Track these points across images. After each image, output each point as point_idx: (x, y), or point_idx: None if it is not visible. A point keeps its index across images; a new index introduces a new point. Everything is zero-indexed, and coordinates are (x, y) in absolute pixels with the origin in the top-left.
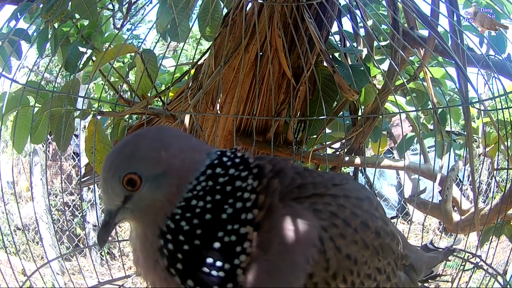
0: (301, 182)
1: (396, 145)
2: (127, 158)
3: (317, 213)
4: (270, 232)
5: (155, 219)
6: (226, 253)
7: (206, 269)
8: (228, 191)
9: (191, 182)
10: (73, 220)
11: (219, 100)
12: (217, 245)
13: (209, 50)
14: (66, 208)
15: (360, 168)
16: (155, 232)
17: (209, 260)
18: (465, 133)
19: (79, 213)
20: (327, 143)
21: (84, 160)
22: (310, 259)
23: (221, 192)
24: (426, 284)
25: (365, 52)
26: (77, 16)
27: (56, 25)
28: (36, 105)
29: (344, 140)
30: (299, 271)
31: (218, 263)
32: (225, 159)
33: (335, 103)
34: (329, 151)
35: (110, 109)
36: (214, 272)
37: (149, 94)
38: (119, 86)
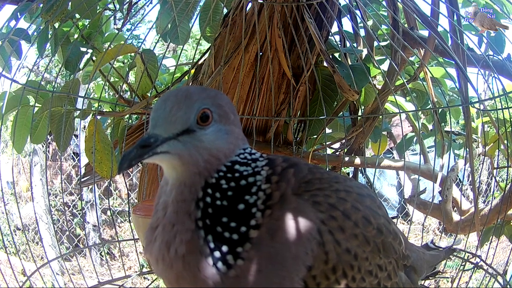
0: (310, 178)
1: (396, 145)
2: (211, 98)
3: (316, 205)
4: (278, 220)
5: (206, 167)
6: (245, 215)
7: (223, 229)
8: (253, 167)
9: (240, 149)
10: (73, 220)
11: None
12: (241, 206)
13: (209, 50)
14: (66, 208)
15: (360, 168)
16: (200, 182)
17: (228, 220)
18: (465, 133)
19: (79, 213)
20: (327, 143)
21: (84, 160)
22: (309, 251)
23: (251, 166)
24: (427, 282)
25: (365, 52)
26: (77, 16)
27: (56, 25)
28: (36, 105)
29: (344, 140)
30: (299, 262)
31: (235, 224)
32: (248, 149)
33: (335, 103)
34: (329, 151)
35: (110, 109)
36: (227, 234)
37: (149, 94)
38: (119, 86)
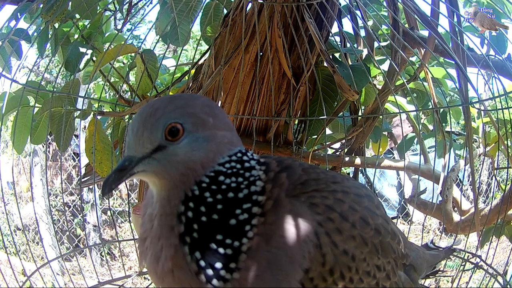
0: (306, 179)
1: (396, 146)
2: (178, 109)
3: (313, 207)
4: (273, 225)
5: (183, 180)
6: (237, 230)
7: (214, 245)
8: (247, 177)
9: (223, 157)
10: (73, 221)
11: (219, 100)
12: (233, 221)
13: (209, 50)
14: (66, 209)
15: (360, 168)
16: (179, 196)
17: (220, 236)
18: (465, 133)
19: (79, 213)
20: (327, 143)
21: (84, 160)
22: (307, 254)
23: (243, 176)
24: (427, 281)
25: (365, 52)
26: (77, 16)
27: (56, 25)
28: (36, 105)
29: (344, 141)
30: (297, 265)
31: (228, 241)
32: (248, 153)
33: (335, 103)
34: (329, 151)
35: (110, 109)
36: (221, 250)
37: (149, 94)
38: (119, 86)
